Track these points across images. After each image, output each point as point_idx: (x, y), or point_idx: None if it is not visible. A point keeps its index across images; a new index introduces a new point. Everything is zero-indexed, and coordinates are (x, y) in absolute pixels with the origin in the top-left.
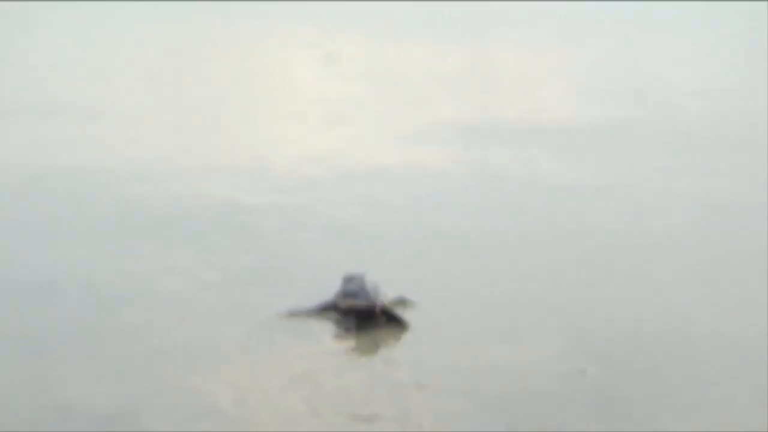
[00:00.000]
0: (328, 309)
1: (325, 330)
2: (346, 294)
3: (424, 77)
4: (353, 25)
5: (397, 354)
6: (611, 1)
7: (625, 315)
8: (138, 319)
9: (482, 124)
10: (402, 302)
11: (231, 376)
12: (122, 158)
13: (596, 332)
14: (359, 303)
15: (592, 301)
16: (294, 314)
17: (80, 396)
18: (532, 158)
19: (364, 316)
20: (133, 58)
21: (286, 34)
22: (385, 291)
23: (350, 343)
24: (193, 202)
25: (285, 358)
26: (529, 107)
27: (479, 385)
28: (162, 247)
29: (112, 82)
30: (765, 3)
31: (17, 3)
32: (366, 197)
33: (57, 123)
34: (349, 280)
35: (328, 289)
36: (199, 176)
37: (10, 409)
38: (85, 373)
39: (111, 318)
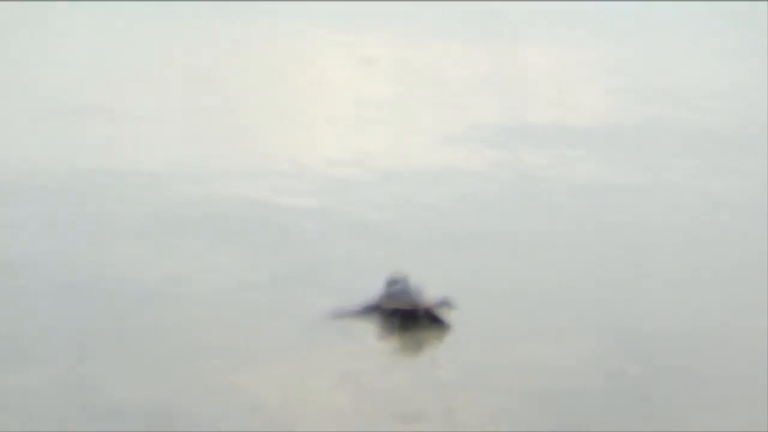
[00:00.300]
0: (371, 310)
1: (369, 330)
2: (389, 295)
3: (458, 79)
4: (387, 28)
5: (440, 353)
6: (637, 1)
7: (665, 313)
8: (181, 319)
9: (517, 125)
10: (445, 304)
11: (275, 376)
12: (162, 159)
13: (637, 331)
14: (403, 304)
15: (633, 299)
16: (338, 316)
17: (125, 396)
18: (568, 159)
19: (408, 317)
20: (169, 59)
21: (321, 37)
22: (428, 293)
23: (394, 343)
24: (234, 203)
25: (329, 357)
26: (563, 108)
27: (522, 383)
28: (203, 247)
29: (150, 83)
30: None
31: (55, 3)
32: (404, 198)
33: (97, 124)
34: (392, 282)
35: (368, 290)
36: (239, 177)
37: (53, 410)
38: (130, 372)
39: (155, 317)
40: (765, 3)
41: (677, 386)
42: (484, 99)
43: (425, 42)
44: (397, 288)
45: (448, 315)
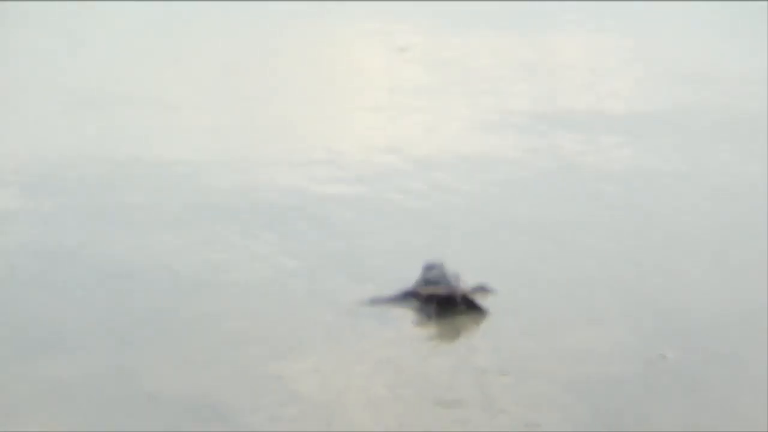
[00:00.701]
0: (408, 296)
1: (407, 316)
2: (427, 281)
3: (495, 66)
4: (421, 15)
5: (478, 339)
6: None
7: (704, 299)
8: (221, 307)
9: (554, 112)
10: (483, 290)
11: (314, 362)
12: (201, 148)
13: (676, 317)
14: (440, 290)
15: (671, 285)
16: (376, 302)
17: (165, 384)
18: (603, 145)
19: (445, 304)
20: (207, 51)
21: (354, 25)
22: (465, 279)
23: (432, 329)
24: (271, 192)
25: (368, 344)
26: (599, 94)
27: (561, 369)
28: (243, 235)
29: (189, 73)
30: None
31: None
32: (440, 185)
33: (136, 113)
34: (429, 268)
35: (406, 276)
36: (276, 166)
37: (95, 398)
38: (170, 361)
39: (194, 306)
40: None
41: (717, 371)
42: (518, 86)
43: (459, 29)
44: (433, 273)
45: (485, 300)
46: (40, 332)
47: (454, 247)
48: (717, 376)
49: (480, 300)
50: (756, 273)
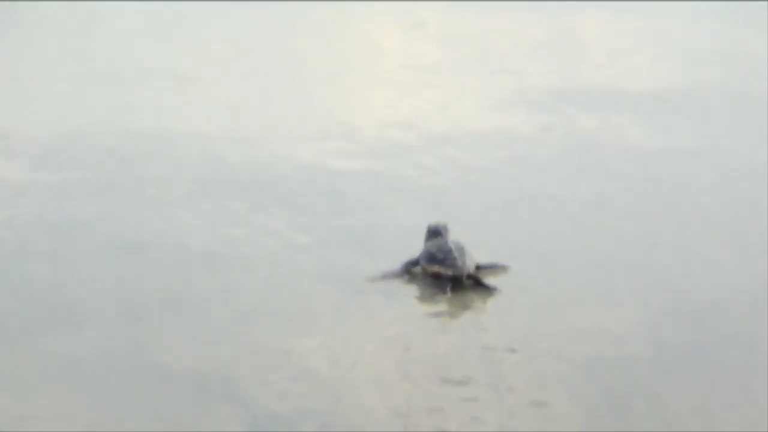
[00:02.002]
0: (413, 270)
1: (417, 293)
2: (431, 257)
3: (510, 44)
4: None
5: (487, 317)
6: None
7: (718, 279)
8: (232, 282)
9: (570, 89)
10: (496, 267)
11: (324, 339)
12: (215, 122)
13: (688, 297)
14: (447, 271)
15: (685, 265)
16: (385, 277)
17: (175, 358)
18: (621, 123)
19: (452, 282)
20: (223, 28)
21: (372, 4)
22: (472, 253)
23: (441, 306)
24: (285, 166)
25: (377, 320)
26: (616, 73)
27: (571, 348)
28: (255, 210)
29: (205, 49)
30: None
31: None
32: (456, 162)
33: (150, 87)
34: (434, 232)
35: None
36: (291, 141)
37: (105, 372)
38: (180, 335)
39: (205, 280)
40: None
41: (729, 352)
42: (534, 63)
43: (475, 6)
44: (439, 246)
45: (496, 278)
46: (50, 306)
47: (468, 223)
48: (728, 356)
49: (487, 279)
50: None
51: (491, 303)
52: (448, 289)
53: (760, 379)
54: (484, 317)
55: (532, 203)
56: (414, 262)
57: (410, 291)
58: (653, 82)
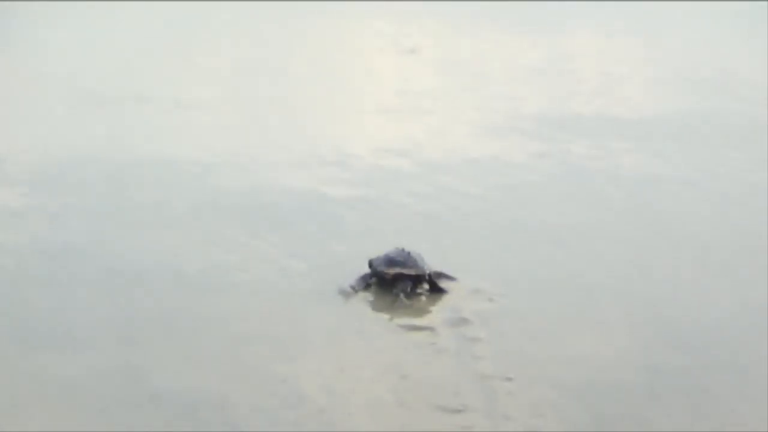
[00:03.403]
0: (374, 276)
1: (412, 322)
2: (391, 261)
3: (504, 70)
4: (431, 17)
5: (483, 345)
6: None
7: (709, 307)
8: (226, 307)
9: (563, 116)
10: (445, 277)
11: (318, 365)
12: (210, 148)
13: (680, 324)
14: (409, 271)
15: (677, 292)
16: (344, 290)
17: (168, 383)
18: (615, 150)
19: (412, 284)
20: (218, 51)
21: (364, 26)
22: (428, 261)
23: (437, 334)
24: (279, 193)
25: (372, 347)
26: (609, 100)
27: (565, 375)
28: (249, 236)
29: (200, 73)
30: None
31: None
32: (450, 189)
33: (146, 112)
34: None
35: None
36: (285, 167)
37: (98, 396)
38: (174, 360)
39: (199, 306)
40: None
41: (720, 379)
42: (528, 90)
43: (468, 32)
44: (396, 250)
45: (446, 283)
46: (45, 330)
47: (461, 250)
48: (719, 383)
49: (442, 282)
50: (762, 282)
51: (485, 331)
52: (408, 290)
53: (751, 407)
54: (479, 345)
55: (524, 230)
56: (371, 274)
57: (407, 318)
58: (647, 108)
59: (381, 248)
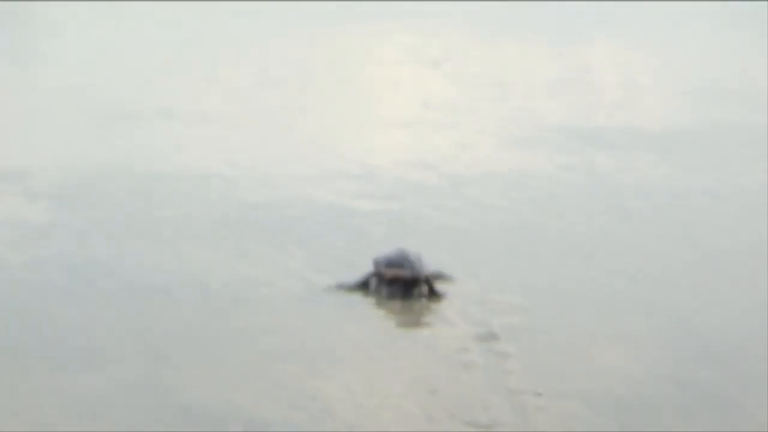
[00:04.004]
0: (370, 277)
1: (443, 336)
2: (389, 263)
3: (526, 81)
4: (454, 29)
5: (512, 359)
6: (707, 2)
7: (739, 320)
8: (253, 322)
9: (587, 127)
10: (442, 277)
11: (347, 380)
12: (235, 162)
13: (709, 337)
14: (404, 273)
15: (705, 305)
16: (341, 287)
17: (196, 399)
18: (640, 162)
19: (408, 286)
20: (241, 65)
21: (387, 39)
22: (427, 263)
23: (465, 349)
24: (305, 207)
25: (400, 362)
26: (633, 111)
27: (595, 390)
28: (275, 250)
29: (223, 87)
30: None
31: (121, 4)
32: (474, 202)
33: (170, 126)
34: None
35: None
36: (310, 180)
37: (126, 412)
38: (201, 375)
39: (226, 321)
40: None
41: (750, 393)
42: (551, 101)
43: (491, 44)
44: (396, 251)
45: (444, 286)
46: (72, 345)
47: (488, 263)
48: (749, 397)
49: (439, 285)
50: None
51: (514, 345)
52: (399, 292)
53: None
54: (508, 359)
55: (551, 243)
56: (372, 274)
57: (435, 333)
58: (671, 120)
59: None
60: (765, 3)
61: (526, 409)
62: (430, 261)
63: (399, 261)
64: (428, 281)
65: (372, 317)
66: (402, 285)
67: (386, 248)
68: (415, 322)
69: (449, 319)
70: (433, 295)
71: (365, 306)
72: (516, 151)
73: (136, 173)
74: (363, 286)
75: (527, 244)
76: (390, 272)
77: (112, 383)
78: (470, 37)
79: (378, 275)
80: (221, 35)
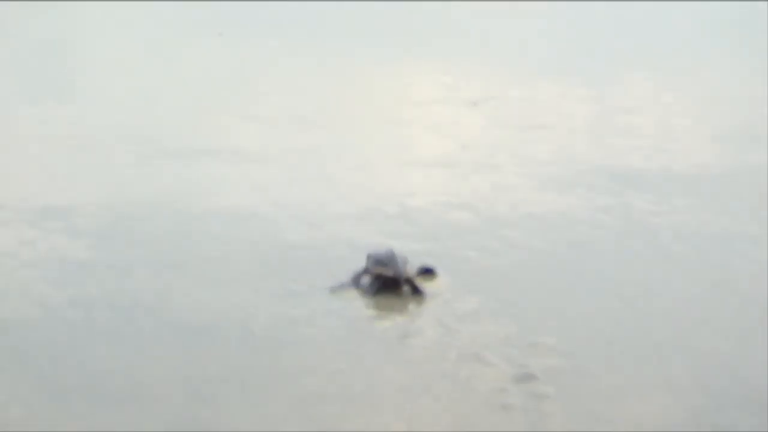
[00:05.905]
0: (362, 274)
1: (482, 377)
2: (378, 261)
3: (565, 122)
4: (493, 70)
5: (551, 402)
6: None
7: None
8: (294, 363)
9: (625, 170)
10: (427, 272)
11: (389, 422)
12: (274, 201)
13: (753, 383)
14: (387, 271)
15: (748, 350)
16: (336, 289)
17: None
18: (679, 206)
19: (390, 284)
20: (281, 102)
21: (425, 78)
22: (412, 263)
23: (505, 391)
24: (345, 246)
25: (441, 404)
26: (671, 154)
27: None
28: (318, 290)
29: (263, 124)
30: None
31: (167, 39)
32: (514, 243)
33: (204, 165)
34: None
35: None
36: (350, 220)
37: None
38: (243, 417)
39: (267, 361)
40: None
41: None
42: (589, 142)
43: (529, 84)
44: (385, 251)
45: (428, 283)
46: (115, 385)
47: (527, 305)
48: None
49: (422, 284)
50: None
51: (553, 387)
52: (375, 289)
53: None
54: (546, 402)
55: (590, 286)
56: (362, 271)
57: (475, 373)
58: (710, 163)
59: (450, 304)
60: None
61: None
62: (415, 261)
63: (386, 260)
64: (410, 281)
65: (412, 358)
66: (384, 282)
67: (431, 294)
68: (454, 363)
69: (489, 360)
70: (416, 293)
71: (406, 347)
72: (555, 192)
73: (178, 211)
74: (355, 282)
75: (566, 286)
76: (376, 270)
77: (154, 422)
78: (508, 77)
79: (367, 272)
80: (258, 73)
